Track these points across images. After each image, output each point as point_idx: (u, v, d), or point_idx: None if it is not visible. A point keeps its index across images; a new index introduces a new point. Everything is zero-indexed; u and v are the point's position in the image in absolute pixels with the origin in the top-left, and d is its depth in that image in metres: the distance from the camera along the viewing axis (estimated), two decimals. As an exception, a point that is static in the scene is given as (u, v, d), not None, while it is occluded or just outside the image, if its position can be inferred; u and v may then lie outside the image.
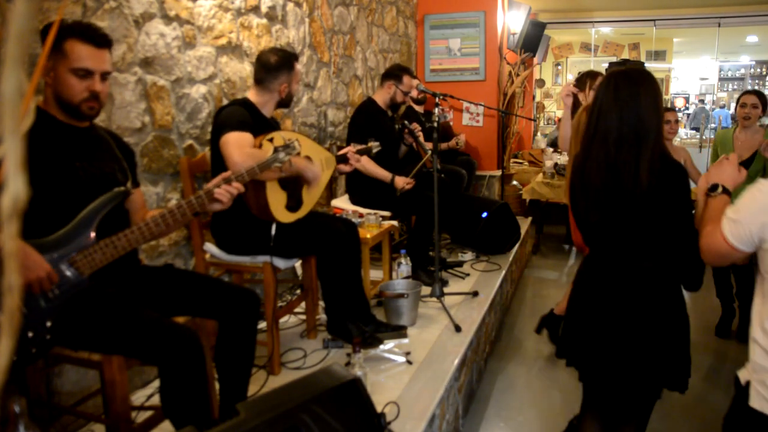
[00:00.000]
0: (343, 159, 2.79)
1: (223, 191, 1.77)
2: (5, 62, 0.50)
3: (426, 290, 3.26)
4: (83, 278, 1.61)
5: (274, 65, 2.54)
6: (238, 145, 2.23)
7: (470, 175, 4.78)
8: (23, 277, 1.43)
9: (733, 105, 13.43)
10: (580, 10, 9.54)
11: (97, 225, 1.65)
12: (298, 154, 2.08)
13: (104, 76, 1.69)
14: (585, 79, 3.14)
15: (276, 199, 2.37)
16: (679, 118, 3.82)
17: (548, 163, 5.76)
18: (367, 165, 3.48)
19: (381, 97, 3.73)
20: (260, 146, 2.27)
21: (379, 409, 1.50)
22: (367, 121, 3.58)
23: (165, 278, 1.90)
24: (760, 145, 3.47)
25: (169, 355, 1.61)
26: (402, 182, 3.52)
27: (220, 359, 1.97)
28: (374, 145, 3.00)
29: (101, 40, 1.67)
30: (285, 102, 2.63)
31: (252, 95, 2.57)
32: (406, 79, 3.69)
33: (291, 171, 2.31)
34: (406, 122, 3.68)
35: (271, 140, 2.26)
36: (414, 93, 4.45)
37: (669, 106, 4.25)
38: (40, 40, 1.58)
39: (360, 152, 2.89)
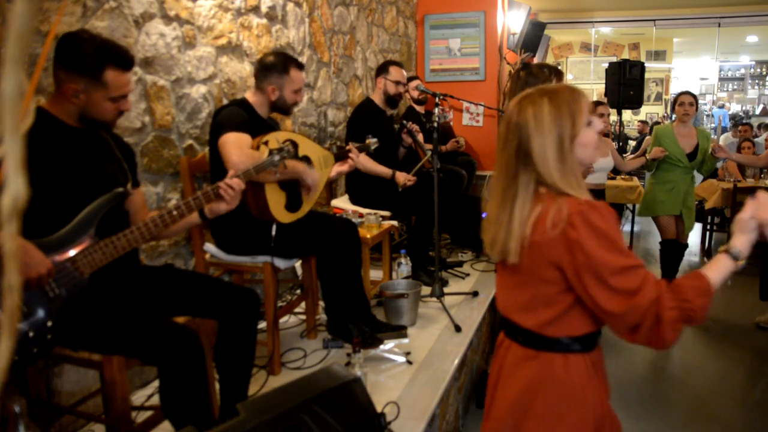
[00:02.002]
0: (341, 156, 2.78)
1: (225, 187, 1.80)
2: (5, 62, 0.50)
3: (426, 290, 3.26)
4: (83, 278, 1.61)
5: (266, 65, 2.53)
6: (236, 145, 2.23)
7: (470, 175, 4.78)
8: (24, 273, 1.44)
9: (732, 105, 13.44)
10: (580, 10, 9.55)
11: (97, 225, 1.65)
12: (293, 156, 2.07)
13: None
14: (549, 75, 2.52)
15: (275, 199, 2.37)
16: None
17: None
18: (366, 163, 3.48)
19: (377, 96, 3.73)
20: (257, 149, 2.27)
21: (379, 409, 1.50)
22: (364, 120, 3.58)
23: (165, 278, 1.90)
24: (712, 148, 4.02)
25: (169, 355, 1.61)
26: (403, 178, 3.51)
27: (220, 359, 1.97)
28: (372, 142, 2.99)
29: (132, 63, 1.73)
30: (278, 107, 2.58)
31: (249, 95, 2.57)
32: (392, 69, 3.68)
33: (289, 174, 2.31)
34: (404, 122, 3.67)
35: (266, 143, 2.26)
36: (414, 94, 4.45)
37: (599, 99, 4.39)
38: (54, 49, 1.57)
39: (359, 149, 2.89)
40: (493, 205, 1.40)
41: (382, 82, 3.69)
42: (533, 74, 2.48)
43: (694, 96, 4.30)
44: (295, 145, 2.25)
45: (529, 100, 1.35)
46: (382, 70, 3.72)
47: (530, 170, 1.32)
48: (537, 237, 1.28)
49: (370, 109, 3.67)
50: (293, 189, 2.46)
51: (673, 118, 4.45)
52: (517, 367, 1.40)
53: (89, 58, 1.61)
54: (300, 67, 2.58)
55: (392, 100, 3.73)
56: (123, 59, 1.69)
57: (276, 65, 2.52)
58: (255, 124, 2.43)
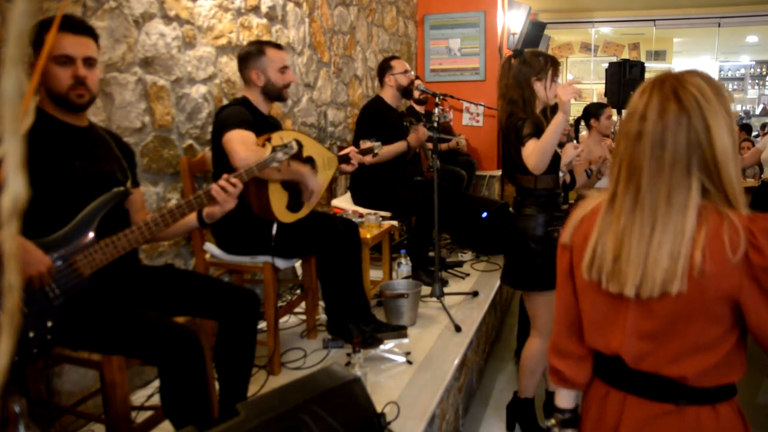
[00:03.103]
0: (345, 159, 2.78)
1: (218, 189, 1.77)
2: (5, 62, 0.50)
3: (426, 290, 3.26)
4: (84, 278, 1.61)
5: (243, 55, 2.55)
6: (242, 141, 2.22)
7: (470, 175, 4.78)
8: (24, 272, 1.44)
9: (732, 105, 13.39)
10: (580, 10, 9.55)
11: (97, 225, 1.65)
12: (296, 154, 2.07)
13: (88, 62, 1.66)
14: (546, 65, 2.31)
15: (277, 198, 2.37)
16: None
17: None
18: (384, 155, 3.45)
19: (389, 93, 3.70)
20: (262, 146, 2.28)
21: (379, 409, 1.49)
22: (373, 119, 3.56)
23: (165, 278, 1.90)
24: None
25: (169, 355, 1.61)
26: (416, 140, 3.52)
27: (220, 359, 1.97)
28: (376, 146, 2.99)
29: (78, 27, 1.66)
30: (270, 93, 2.54)
31: (246, 93, 2.58)
32: (394, 63, 3.69)
33: (292, 175, 2.31)
34: (413, 120, 3.67)
35: (269, 140, 2.26)
36: (415, 94, 4.44)
37: (599, 99, 4.33)
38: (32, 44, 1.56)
39: (362, 153, 2.89)
40: (635, 215, 1.08)
41: (392, 80, 3.67)
42: (527, 62, 2.28)
43: None
44: (300, 145, 2.25)
45: (677, 78, 1.07)
46: (386, 68, 3.69)
47: (702, 171, 1.04)
48: (710, 265, 1.00)
49: (380, 108, 3.66)
50: (295, 189, 2.46)
51: None
52: (646, 428, 1.11)
53: (36, 27, 1.59)
54: (277, 46, 2.56)
55: (407, 91, 3.71)
56: (65, 21, 1.62)
57: (251, 51, 2.53)
58: (258, 123, 2.43)
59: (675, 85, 1.06)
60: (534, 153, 2.18)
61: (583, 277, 1.17)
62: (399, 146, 3.54)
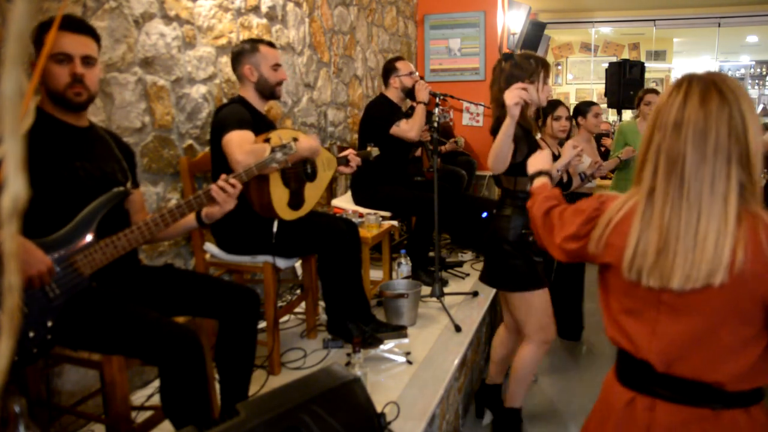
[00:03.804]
0: (343, 161, 2.79)
1: (218, 189, 1.77)
2: (5, 62, 0.50)
3: (426, 290, 3.26)
4: (84, 278, 1.61)
5: (236, 52, 2.57)
6: (239, 143, 2.23)
7: (470, 176, 4.77)
8: (24, 272, 1.44)
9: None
10: (580, 10, 9.55)
11: (97, 225, 1.65)
12: (295, 153, 2.07)
13: (86, 60, 1.66)
14: (537, 67, 2.32)
15: (279, 195, 2.38)
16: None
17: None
18: (414, 128, 3.45)
19: (393, 94, 3.69)
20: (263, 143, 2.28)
21: (379, 409, 1.49)
22: (379, 118, 3.56)
23: (165, 278, 1.90)
24: None
25: (169, 355, 1.61)
26: (423, 94, 3.53)
27: (220, 359, 1.97)
28: (373, 150, 2.99)
29: (78, 26, 1.66)
30: (263, 90, 2.56)
31: (242, 91, 2.58)
32: (399, 65, 3.68)
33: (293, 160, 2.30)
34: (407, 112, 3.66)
35: (268, 140, 2.26)
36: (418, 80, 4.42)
37: (599, 99, 4.30)
38: (33, 44, 1.57)
39: (359, 156, 2.89)
40: (681, 206, 1.06)
41: (397, 81, 3.66)
42: (519, 65, 2.28)
43: (659, 94, 4.30)
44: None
45: (710, 74, 1.09)
46: (391, 69, 3.68)
47: (738, 164, 1.04)
48: (750, 264, 1.00)
49: (385, 106, 3.66)
50: (296, 187, 2.46)
51: (635, 115, 4.43)
52: None
53: (37, 29, 1.59)
54: (270, 44, 2.59)
55: (411, 92, 3.70)
56: (65, 20, 1.62)
57: (244, 47, 2.56)
58: (256, 122, 2.44)
59: (712, 78, 1.07)
60: (490, 154, 2.16)
61: (621, 279, 1.15)
62: (419, 110, 3.53)
